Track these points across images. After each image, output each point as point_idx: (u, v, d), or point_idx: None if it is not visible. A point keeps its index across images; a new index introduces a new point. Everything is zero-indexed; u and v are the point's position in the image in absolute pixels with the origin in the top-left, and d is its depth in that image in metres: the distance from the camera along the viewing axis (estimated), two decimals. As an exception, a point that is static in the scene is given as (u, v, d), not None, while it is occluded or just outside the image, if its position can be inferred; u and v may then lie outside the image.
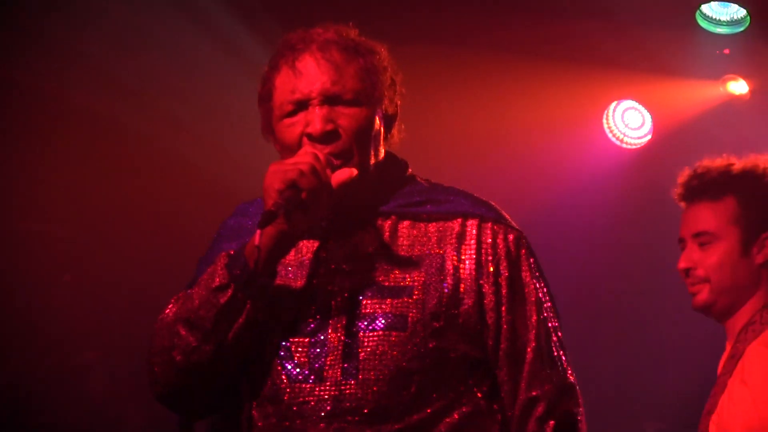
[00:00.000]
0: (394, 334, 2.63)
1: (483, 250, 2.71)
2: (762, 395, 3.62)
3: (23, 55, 5.65)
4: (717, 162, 3.72)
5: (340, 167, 2.60)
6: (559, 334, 2.75)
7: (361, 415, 2.59)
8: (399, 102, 2.79)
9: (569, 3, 5.84)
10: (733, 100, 6.30)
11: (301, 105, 2.67)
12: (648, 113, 6.48)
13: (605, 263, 6.50)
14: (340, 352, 2.63)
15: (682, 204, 3.73)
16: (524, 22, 5.89)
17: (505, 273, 2.70)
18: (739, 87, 6.28)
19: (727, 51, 6.10)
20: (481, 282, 2.68)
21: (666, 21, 5.94)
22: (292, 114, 2.68)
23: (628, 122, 6.51)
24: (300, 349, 2.65)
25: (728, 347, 3.79)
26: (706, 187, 3.64)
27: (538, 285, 2.70)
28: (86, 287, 5.96)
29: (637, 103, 6.50)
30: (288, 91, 2.69)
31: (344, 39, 2.72)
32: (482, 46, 5.90)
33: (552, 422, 2.66)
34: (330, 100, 2.66)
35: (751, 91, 6.26)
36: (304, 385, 2.61)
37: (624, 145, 6.50)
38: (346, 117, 2.67)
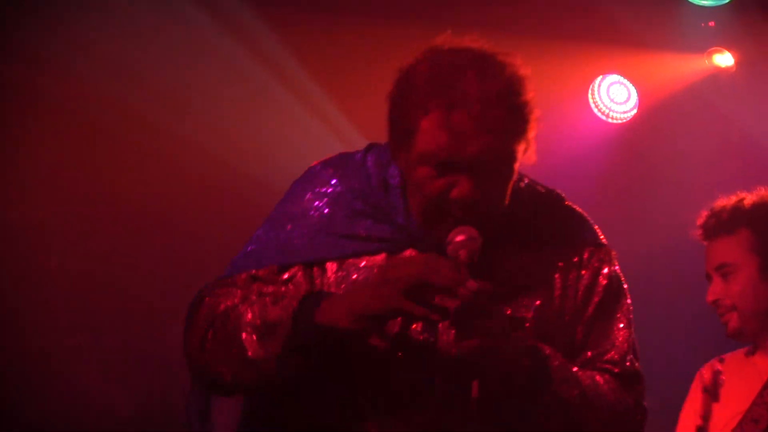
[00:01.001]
0: None
1: (591, 282, 2.73)
2: None
3: (26, 43, 5.62)
4: (730, 200, 3.98)
5: (477, 247, 2.51)
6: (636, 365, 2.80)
7: None
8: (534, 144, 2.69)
9: None
10: (719, 73, 6.34)
11: (450, 162, 2.57)
12: (633, 87, 6.48)
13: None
14: (449, 388, 2.59)
15: (705, 243, 3.99)
16: (508, -2, 5.96)
17: (601, 308, 2.74)
18: (724, 59, 6.31)
19: (712, 23, 6.15)
20: (583, 314, 2.72)
21: None
22: (436, 166, 2.58)
23: (614, 96, 6.51)
24: (405, 370, 2.61)
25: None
26: (722, 223, 3.91)
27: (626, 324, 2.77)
28: (75, 273, 5.91)
29: (622, 78, 6.48)
30: (436, 143, 2.58)
31: (506, 90, 2.59)
32: (465, 23, 5.81)
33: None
34: (481, 165, 2.56)
35: (737, 64, 6.28)
36: (404, 411, 2.59)
37: (610, 120, 6.50)
38: (495, 181, 2.60)
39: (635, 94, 6.48)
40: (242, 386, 2.62)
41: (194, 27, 5.86)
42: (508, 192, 2.63)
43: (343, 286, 2.66)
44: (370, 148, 2.85)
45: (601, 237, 2.80)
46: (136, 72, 5.88)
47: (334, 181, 2.77)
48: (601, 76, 6.46)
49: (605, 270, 2.76)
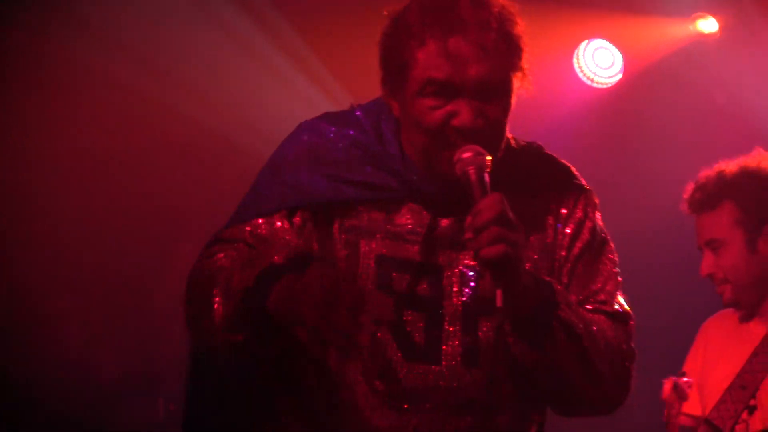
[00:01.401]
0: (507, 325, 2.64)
1: (577, 226, 2.74)
2: None
3: (22, 13, 5.63)
4: (713, 171, 4.03)
5: (485, 162, 2.50)
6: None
7: (474, 406, 2.62)
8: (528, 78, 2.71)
9: None
10: (703, 39, 6.38)
11: (449, 89, 2.55)
12: (618, 52, 6.52)
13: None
14: (459, 337, 2.63)
15: (694, 217, 4.07)
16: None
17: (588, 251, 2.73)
18: (708, 25, 6.35)
19: None
20: (571, 257, 2.72)
21: None
22: (435, 95, 2.57)
23: (599, 61, 6.55)
24: (417, 325, 2.63)
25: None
26: (706, 197, 3.96)
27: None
28: (63, 235, 5.97)
29: (607, 43, 6.53)
30: (435, 70, 2.56)
31: (498, 16, 2.57)
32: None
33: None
34: (480, 90, 2.55)
35: (721, 29, 6.32)
36: (420, 366, 2.61)
37: (595, 85, 6.55)
38: (494, 109, 2.58)
39: (620, 58, 6.52)
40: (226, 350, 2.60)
41: None
42: (506, 126, 2.63)
43: (345, 253, 2.65)
44: (356, 107, 2.84)
45: (584, 182, 2.81)
46: (120, 37, 5.88)
47: (333, 129, 2.76)
48: (586, 41, 6.51)
49: (590, 214, 2.79)
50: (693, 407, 4.33)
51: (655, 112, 6.60)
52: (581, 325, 2.61)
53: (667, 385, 4.03)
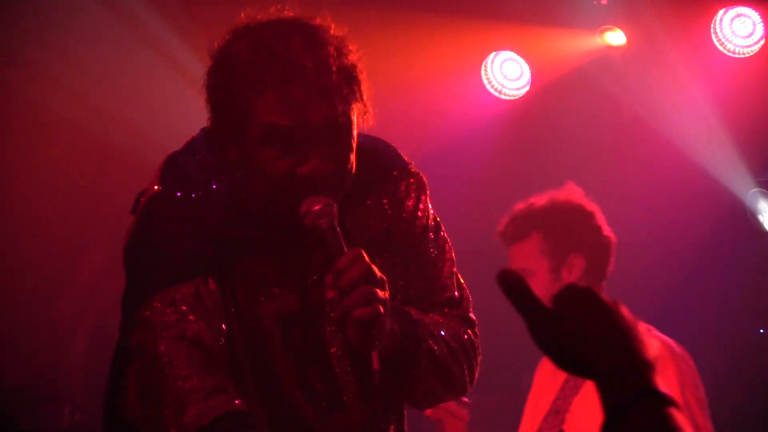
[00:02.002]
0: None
1: (413, 217, 2.76)
2: None
3: None
4: (524, 204, 4.28)
5: (334, 213, 2.50)
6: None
7: None
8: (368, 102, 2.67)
9: None
10: (611, 51, 6.39)
11: (293, 138, 2.51)
12: (526, 64, 6.51)
13: (486, 214, 6.69)
14: (353, 379, 2.67)
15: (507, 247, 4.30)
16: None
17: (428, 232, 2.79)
18: (616, 37, 6.37)
19: (604, 1, 6.22)
20: (412, 250, 2.77)
21: None
22: (280, 145, 2.52)
23: (507, 73, 6.54)
24: (316, 378, 2.66)
25: None
26: (515, 229, 4.21)
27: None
28: None
29: (515, 54, 6.52)
30: (279, 118, 2.50)
31: (336, 56, 2.53)
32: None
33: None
34: (325, 135, 2.52)
35: (628, 42, 6.35)
36: (328, 416, 2.66)
37: (503, 96, 6.55)
38: (342, 150, 2.56)
39: (528, 70, 6.51)
40: None
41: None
42: (353, 161, 2.60)
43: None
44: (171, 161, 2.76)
45: (411, 164, 2.80)
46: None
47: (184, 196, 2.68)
48: (494, 53, 6.50)
49: (422, 202, 2.79)
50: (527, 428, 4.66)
51: (564, 123, 6.63)
52: (442, 345, 2.67)
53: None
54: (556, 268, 4.40)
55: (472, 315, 2.81)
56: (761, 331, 6.97)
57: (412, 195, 2.77)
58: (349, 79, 2.54)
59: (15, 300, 6.16)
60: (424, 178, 2.81)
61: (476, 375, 2.81)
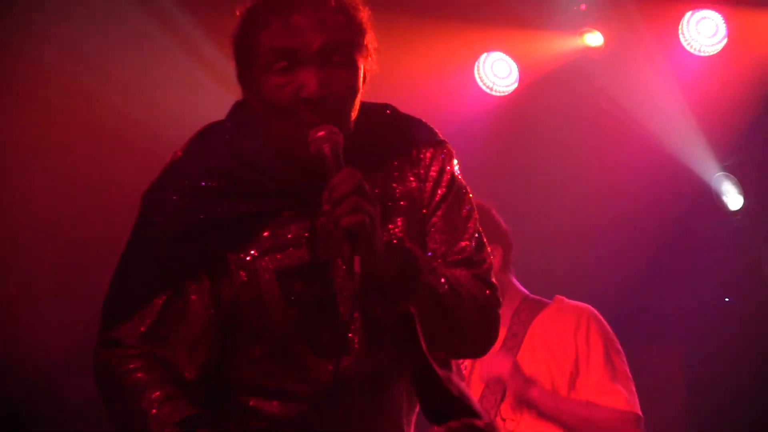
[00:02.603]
0: None
1: (436, 180, 2.79)
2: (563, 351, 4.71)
3: None
4: None
5: (339, 140, 2.55)
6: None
7: (375, 380, 2.71)
8: (376, 59, 2.72)
9: None
10: (590, 51, 6.58)
11: (294, 62, 2.60)
12: (515, 63, 6.68)
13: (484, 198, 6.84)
14: (359, 323, 2.68)
15: None
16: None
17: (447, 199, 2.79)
18: (594, 39, 6.54)
19: (583, 7, 6.42)
20: (432, 210, 2.77)
21: None
22: (282, 72, 2.61)
23: (497, 72, 6.71)
24: (320, 324, 2.67)
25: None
26: None
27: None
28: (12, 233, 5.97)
29: (504, 55, 6.68)
30: (278, 41, 2.60)
31: (339, 3, 2.64)
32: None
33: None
34: (324, 60, 2.60)
35: (605, 43, 6.54)
36: (331, 360, 2.65)
37: (494, 93, 6.71)
38: (340, 80, 2.62)
39: (516, 69, 6.69)
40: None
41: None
42: (356, 98, 2.65)
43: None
44: (203, 134, 2.80)
45: (439, 135, 2.85)
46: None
47: (176, 191, 2.72)
48: (485, 54, 6.66)
49: (448, 168, 2.81)
50: None
51: (548, 117, 6.76)
52: (443, 282, 2.68)
53: None
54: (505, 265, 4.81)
55: (492, 279, 2.81)
56: (726, 299, 7.27)
57: (436, 164, 2.80)
58: (348, 20, 2.63)
59: (62, 274, 6.11)
60: (452, 148, 2.84)
61: (495, 335, 2.81)
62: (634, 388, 4.76)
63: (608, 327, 4.83)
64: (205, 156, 2.73)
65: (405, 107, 2.92)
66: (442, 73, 6.58)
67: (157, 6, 5.96)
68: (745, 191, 7.20)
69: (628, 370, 4.78)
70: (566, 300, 4.90)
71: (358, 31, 2.64)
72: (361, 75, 2.64)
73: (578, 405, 4.71)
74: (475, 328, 2.73)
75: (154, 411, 2.57)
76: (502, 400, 4.81)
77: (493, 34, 6.58)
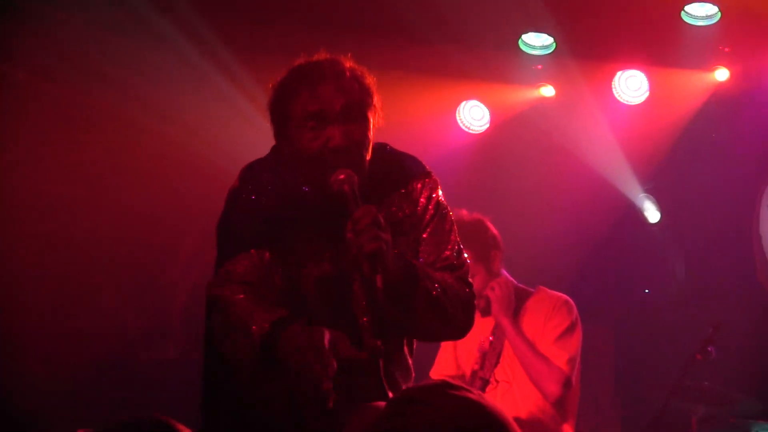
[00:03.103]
0: None
1: (425, 204, 3.02)
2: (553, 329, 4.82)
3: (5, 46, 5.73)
4: None
5: (355, 181, 2.75)
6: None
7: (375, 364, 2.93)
8: (381, 115, 2.94)
9: (430, 31, 6.22)
10: (545, 100, 7.07)
11: (321, 121, 2.82)
12: (487, 109, 7.21)
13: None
14: (370, 326, 2.89)
15: None
16: (395, 45, 6.32)
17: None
18: (548, 91, 7.07)
19: (540, 66, 6.87)
20: (421, 229, 3.00)
21: (499, 45, 6.66)
22: (312, 129, 2.82)
23: (473, 115, 7.26)
24: (343, 326, 2.87)
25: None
26: None
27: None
28: (96, 235, 6.39)
29: (479, 102, 7.21)
30: (310, 106, 2.83)
31: (349, 70, 2.89)
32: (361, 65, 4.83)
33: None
34: (344, 117, 2.82)
35: (557, 94, 7.05)
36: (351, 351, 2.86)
37: (471, 131, 7.24)
38: (357, 132, 2.86)
39: (488, 113, 7.21)
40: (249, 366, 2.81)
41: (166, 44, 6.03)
42: (369, 145, 2.87)
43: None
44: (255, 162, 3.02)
45: (426, 167, 3.06)
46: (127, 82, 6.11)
47: (258, 182, 2.96)
48: (465, 101, 7.21)
49: (434, 194, 3.01)
50: (448, 369, 5.00)
51: (513, 150, 7.17)
52: (437, 286, 2.89)
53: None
54: (487, 267, 4.95)
55: (470, 278, 3.03)
56: (646, 291, 7.68)
57: (425, 191, 3.01)
58: (360, 86, 2.90)
59: (135, 267, 6.61)
60: (436, 177, 3.06)
61: (472, 322, 3.04)
62: (576, 360, 4.87)
63: (575, 312, 4.93)
64: (256, 177, 2.97)
65: (403, 142, 3.12)
66: (432, 116, 6.96)
67: (223, 61, 6.22)
68: (661, 208, 7.54)
69: (577, 347, 4.88)
70: (547, 290, 5.06)
71: (368, 94, 2.91)
72: (371, 127, 2.91)
73: (530, 347, 4.83)
74: (459, 318, 2.98)
75: (257, 315, 2.76)
76: (496, 365, 4.94)
77: (471, 86, 7.02)
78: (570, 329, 4.90)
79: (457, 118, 7.24)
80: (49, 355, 6.08)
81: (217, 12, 6.01)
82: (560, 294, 5.05)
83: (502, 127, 7.17)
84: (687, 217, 7.32)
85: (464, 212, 4.83)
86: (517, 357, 4.86)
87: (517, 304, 4.95)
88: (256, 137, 5.47)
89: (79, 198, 6.36)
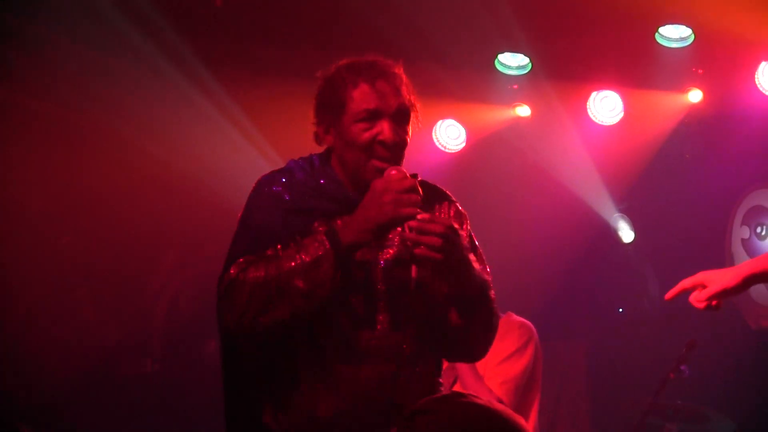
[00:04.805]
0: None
1: (459, 222, 3.11)
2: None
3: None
4: None
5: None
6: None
7: (398, 357, 2.97)
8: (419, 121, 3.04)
9: (407, 50, 5.26)
10: (520, 120, 7.14)
11: (376, 115, 2.92)
12: (463, 128, 7.25)
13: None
14: (386, 309, 2.96)
15: None
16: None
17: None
18: (524, 111, 7.13)
19: (516, 86, 6.91)
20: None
21: (476, 65, 6.69)
22: (366, 121, 2.92)
23: (450, 134, 7.30)
24: (359, 306, 2.95)
25: None
26: None
27: None
28: (79, 249, 6.49)
29: (455, 121, 7.25)
30: (369, 102, 2.92)
31: (401, 72, 3.01)
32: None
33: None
34: (397, 116, 2.96)
35: (532, 114, 7.10)
36: (364, 332, 2.92)
37: (447, 150, 7.28)
38: (404, 131, 3.00)
39: (464, 132, 7.25)
40: (299, 318, 2.86)
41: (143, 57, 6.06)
42: (408, 142, 2.99)
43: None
44: (291, 161, 3.11)
45: (453, 197, 3.22)
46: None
47: (283, 179, 3.04)
48: (441, 120, 7.24)
49: (463, 227, 3.14)
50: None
51: (489, 169, 7.25)
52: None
53: None
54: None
55: (492, 294, 3.09)
56: (620, 310, 7.81)
57: (457, 219, 3.15)
58: (409, 90, 3.05)
59: (116, 281, 6.62)
60: (464, 211, 3.21)
61: (493, 337, 3.12)
62: (512, 384, 4.94)
63: (528, 336, 5.02)
64: (291, 173, 3.06)
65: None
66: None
67: (203, 81, 6.30)
68: (635, 228, 7.65)
69: (518, 371, 4.94)
70: (512, 315, 5.16)
71: (415, 100, 3.06)
72: (411, 129, 3.06)
73: (471, 368, 4.88)
74: (489, 346, 3.16)
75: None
76: (453, 383, 5.04)
77: (447, 106, 7.05)
78: (516, 353, 4.97)
79: (434, 136, 7.27)
80: (29, 367, 6.13)
81: (198, 32, 6.09)
82: (520, 319, 5.11)
83: (478, 146, 7.20)
84: (661, 237, 7.33)
85: None
86: (458, 375, 4.95)
87: None
88: (237, 155, 6.40)
89: (59, 212, 6.39)
